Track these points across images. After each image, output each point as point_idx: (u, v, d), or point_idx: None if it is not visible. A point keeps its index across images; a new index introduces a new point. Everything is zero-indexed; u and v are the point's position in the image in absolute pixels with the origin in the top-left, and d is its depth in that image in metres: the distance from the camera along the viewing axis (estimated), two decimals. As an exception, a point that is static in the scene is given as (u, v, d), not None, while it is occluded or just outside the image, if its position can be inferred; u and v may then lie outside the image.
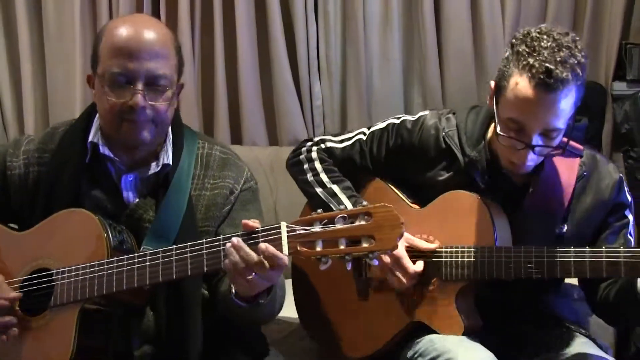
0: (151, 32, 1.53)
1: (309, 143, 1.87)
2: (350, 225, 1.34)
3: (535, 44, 1.46)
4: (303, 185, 1.82)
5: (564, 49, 1.44)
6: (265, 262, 1.37)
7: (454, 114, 1.74)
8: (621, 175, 1.67)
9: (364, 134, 1.81)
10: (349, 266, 1.35)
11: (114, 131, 1.55)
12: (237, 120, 2.75)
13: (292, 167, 1.86)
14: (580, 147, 1.66)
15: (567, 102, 1.47)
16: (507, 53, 1.53)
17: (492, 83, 1.58)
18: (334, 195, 1.74)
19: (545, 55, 1.44)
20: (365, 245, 1.33)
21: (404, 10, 2.66)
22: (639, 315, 1.63)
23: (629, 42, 2.58)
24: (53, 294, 1.52)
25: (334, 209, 1.65)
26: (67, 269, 1.51)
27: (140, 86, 1.49)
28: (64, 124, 1.69)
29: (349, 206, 1.67)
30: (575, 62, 1.45)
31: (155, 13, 2.69)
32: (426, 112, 1.76)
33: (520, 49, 1.48)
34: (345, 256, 1.35)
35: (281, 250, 1.36)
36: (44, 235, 1.58)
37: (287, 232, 1.36)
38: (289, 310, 1.85)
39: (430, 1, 2.58)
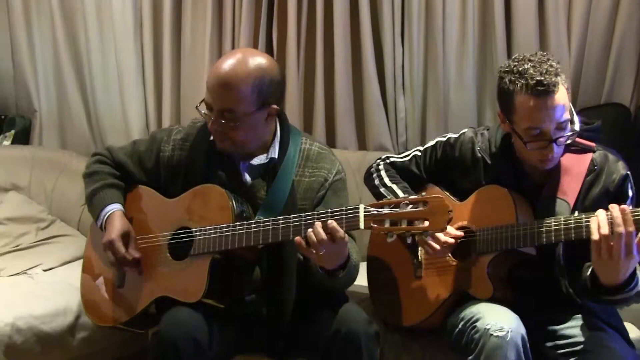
0: (228, 72, 1.75)
1: (378, 160, 2.14)
2: (411, 209, 1.60)
3: (520, 69, 1.73)
4: (373, 189, 2.09)
5: (541, 64, 1.72)
6: (327, 237, 1.62)
7: (487, 129, 2.00)
8: (629, 172, 1.82)
9: (419, 151, 2.09)
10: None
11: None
12: (332, 127, 2.97)
13: (366, 180, 2.15)
14: (591, 144, 1.85)
15: (562, 97, 1.72)
16: (502, 85, 1.78)
17: (499, 112, 1.85)
18: (393, 191, 2.02)
19: (531, 72, 1.71)
20: (421, 225, 1.59)
21: (479, 36, 2.78)
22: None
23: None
24: (193, 246, 1.82)
25: None
26: (203, 228, 1.81)
27: (213, 117, 1.78)
28: (202, 119, 1.95)
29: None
30: (552, 68, 1.72)
31: (269, 39, 2.99)
32: (466, 130, 2.03)
33: (512, 78, 1.74)
34: (406, 232, 1.61)
35: (358, 225, 1.62)
36: (186, 203, 1.89)
37: (364, 211, 1.64)
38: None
39: (502, 30, 2.70)
